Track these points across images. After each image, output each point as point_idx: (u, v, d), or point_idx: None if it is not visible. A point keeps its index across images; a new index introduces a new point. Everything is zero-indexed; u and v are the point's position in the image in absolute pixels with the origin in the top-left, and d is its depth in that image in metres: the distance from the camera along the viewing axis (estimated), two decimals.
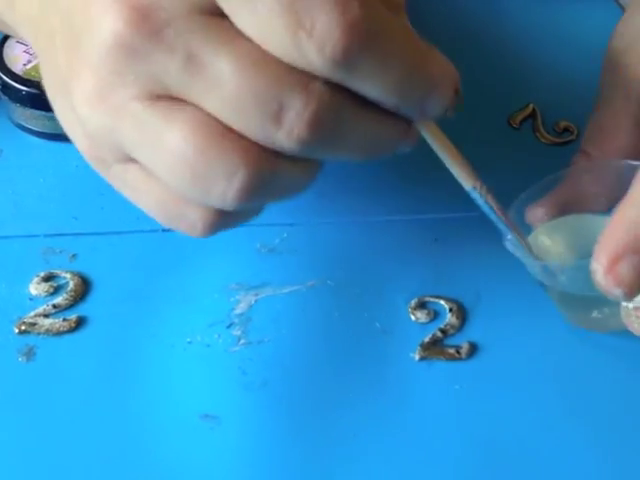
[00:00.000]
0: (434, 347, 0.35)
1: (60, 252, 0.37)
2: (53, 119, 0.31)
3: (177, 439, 0.32)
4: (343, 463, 0.31)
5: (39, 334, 0.34)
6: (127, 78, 0.23)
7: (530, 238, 0.33)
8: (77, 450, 0.31)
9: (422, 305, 0.36)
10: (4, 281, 0.36)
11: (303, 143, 0.24)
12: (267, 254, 0.38)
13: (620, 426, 0.33)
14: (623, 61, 0.36)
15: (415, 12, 0.50)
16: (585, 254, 0.33)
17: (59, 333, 0.34)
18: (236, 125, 0.24)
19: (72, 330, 0.34)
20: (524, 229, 0.34)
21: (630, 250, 0.28)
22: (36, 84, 0.40)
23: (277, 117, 0.23)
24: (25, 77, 0.40)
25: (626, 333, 0.34)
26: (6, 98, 0.41)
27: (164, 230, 0.37)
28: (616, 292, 0.28)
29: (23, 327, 0.34)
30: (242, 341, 0.35)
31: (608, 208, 0.34)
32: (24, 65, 0.41)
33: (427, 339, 0.35)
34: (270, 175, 0.25)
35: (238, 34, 0.23)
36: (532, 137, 0.44)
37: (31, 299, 0.35)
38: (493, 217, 0.31)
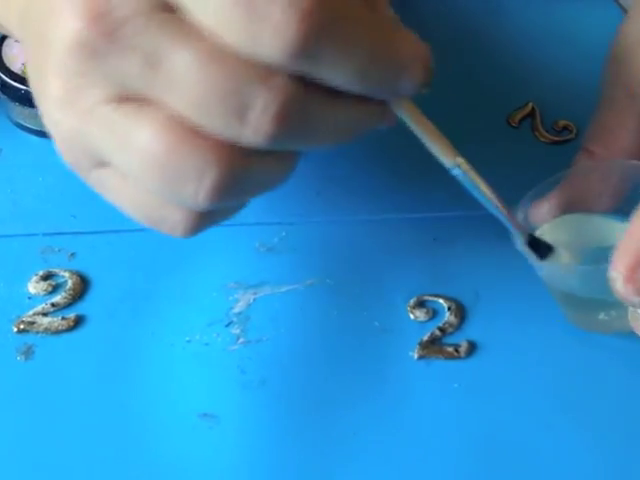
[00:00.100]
0: (433, 346, 0.35)
1: (59, 251, 0.37)
2: None
3: (176, 438, 0.32)
4: (342, 462, 0.31)
5: (38, 333, 0.34)
6: (91, 80, 0.23)
7: None
8: (76, 449, 0.31)
9: (421, 304, 0.36)
10: (3, 280, 0.36)
11: (271, 139, 0.23)
12: (266, 253, 0.37)
13: (619, 426, 0.33)
14: (628, 60, 0.35)
15: (415, 11, 0.50)
16: (587, 254, 0.33)
17: (58, 332, 0.34)
18: (202, 123, 0.23)
19: (71, 329, 0.34)
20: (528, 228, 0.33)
21: None
22: None
23: (241, 114, 0.22)
24: (24, 76, 0.40)
25: (625, 333, 0.34)
26: (5, 97, 0.41)
27: None
28: (636, 300, 0.28)
29: (22, 326, 0.34)
30: (241, 340, 0.35)
31: (611, 208, 0.34)
32: (23, 64, 0.41)
33: (426, 338, 0.35)
34: (242, 172, 0.24)
35: (195, 30, 0.22)
36: (531, 136, 0.44)
37: (30, 298, 0.35)
38: (479, 196, 0.30)
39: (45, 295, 0.35)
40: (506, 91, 0.46)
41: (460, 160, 0.29)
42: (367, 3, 0.24)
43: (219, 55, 0.22)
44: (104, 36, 0.22)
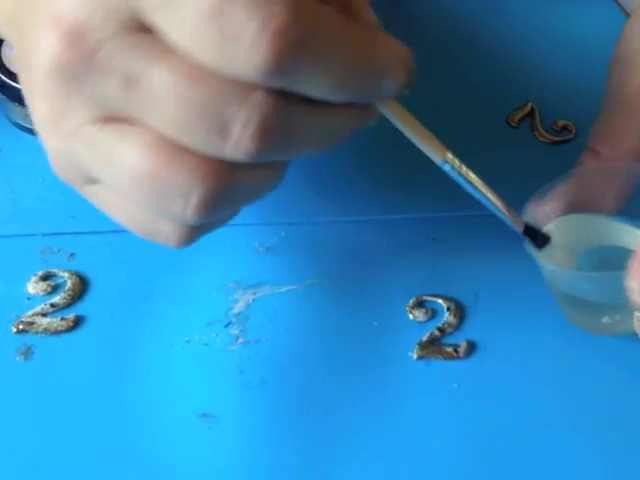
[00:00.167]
0: (432, 346, 0.35)
1: (58, 251, 0.37)
2: None
3: (175, 438, 0.32)
4: (341, 462, 0.31)
5: (37, 333, 0.34)
6: (74, 102, 0.23)
7: None
8: (75, 449, 0.31)
9: (420, 304, 0.36)
10: (2, 280, 0.36)
11: (254, 154, 0.23)
12: (265, 253, 0.37)
13: (619, 426, 0.33)
14: (635, 60, 0.35)
15: (414, 12, 0.50)
16: (588, 253, 0.33)
17: (57, 332, 0.34)
18: (184, 142, 0.23)
19: (70, 329, 0.34)
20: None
21: None
22: None
23: (223, 132, 0.22)
24: None
25: (626, 334, 0.34)
26: (4, 97, 0.41)
27: None
28: None
29: (21, 326, 0.34)
30: (240, 340, 0.35)
31: (615, 209, 0.34)
32: None
33: (425, 338, 0.35)
34: (229, 186, 0.24)
35: (171, 49, 0.22)
36: (530, 136, 0.44)
37: (29, 298, 0.35)
38: (472, 190, 0.30)
39: (44, 295, 0.35)
40: (505, 91, 0.46)
41: (450, 156, 0.29)
42: (344, 10, 0.24)
43: (196, 74, 0.22)
44: (82, 60, 0.22)
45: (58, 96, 0.23)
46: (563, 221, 0.34)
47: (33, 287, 0.36)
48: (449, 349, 0.34)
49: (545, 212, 0.34)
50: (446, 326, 0.35)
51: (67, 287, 0.36)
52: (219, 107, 0.22)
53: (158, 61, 0.22)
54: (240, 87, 0.22)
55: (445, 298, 0.36)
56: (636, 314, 0.32)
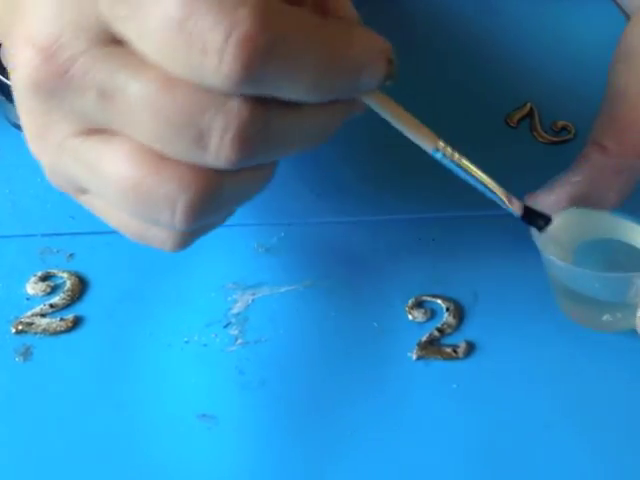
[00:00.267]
0: (431, 346, 0.35)
1: (57, 252, 0.37)
2: None
3: (174, 439, 0.32)
4: (341, 462, 0.31)
5: (36, 334, 0.34)
6: (56, 117, 0.23)
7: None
8: (74, 450, 0.31)
9: (419, 304, 0.36)
10: (1, 280, 0.36)
11: (235, 162, 0.23)
12: (264, 254, 0.37)
13: (618, 426, 0.33)
14: None
15: (413, 12, 0.50)
16: (585, 247, 0.34)
17: (56, 333, 0.34)
18: (165, 152, 0.23)
19: (69, 330, 0.34)
20: None
21: None
22: None
23: (201, 141, 0.22)
24: None
25: (625, 332, 0.34)
26: (3, 98, 0.41)
27: None
28: None
29: (20, 327, 0.34)
30: (239, 341, 0.35)
31: (617, 204, 0.34)
32: None
33: (424, 338, 0.35)
34: (215, 192, 0.24)
35: (143, 60, 0.22)
36: (529, 136, 0.44)
37: (28, 299, 0.35)
38: (467, 177, 0.30)
39: (43, 296, 0.35)
40: (504, 91, 0.46)
41: (441, 144, 0.28)
42: (319, 6, 0.24)
43: (169, 84, 0.22)
44: (57, 76, 0.22)
45: (40, 111, 0.23)
46: (564, 215, 0.34)
47: (32, 287, 0.36)
48: (448, 349, 0.34)
49: (548, 203, 0.34)
50: (445, 326, 0.35)
51: (66, 288, 0.36)
52: (195, 117, 0.22)
53: (131, 73, 0.22)
54: (215, 95, 0.22)
55: (444, 299, 0.36)
56: (638, 313, 0.32)
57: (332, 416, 0.32)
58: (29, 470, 0.31)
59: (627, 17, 0.44)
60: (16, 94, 0.24)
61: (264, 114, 0.23)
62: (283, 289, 0.36)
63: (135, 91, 0.22)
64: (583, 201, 0.34)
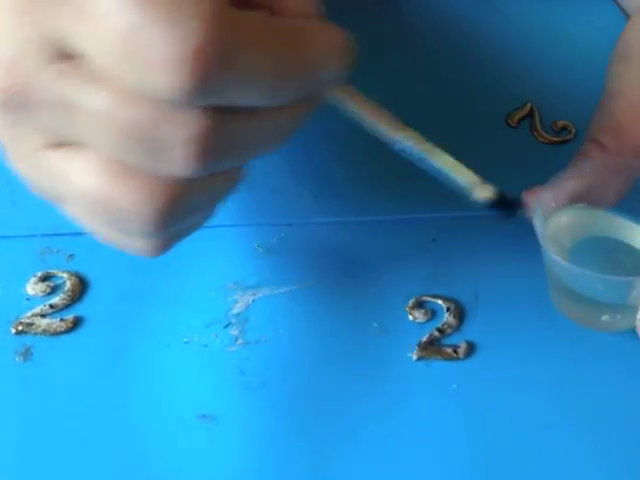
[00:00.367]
0: (432, 347, 0.35)
1: (57, 252, 0.37)
2: None
3: (175, 439, 0.32)
4: (341, 462, 0.31)
5: (36, 334, 0.34)
6: (24, 130, 0.23)
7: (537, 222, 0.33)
8: (74, 450, 0.31)
9: (420, 305, 0.36)
10: (1, 281, 0.36)
11: (199, 171, 0.23)
12: (264, 254, 0.37)
13: (618, 426, 0.33)
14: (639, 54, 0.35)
15: (413, 12, 0.50)
16: (580, 244, 0.34)
17: (56, 333, 0.34)
18: (129, 164, 0.23)
19: (69, 330, 0.34)
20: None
21: None
22: None
23: (162, 153, 0.22)
24: None
25: (625, 333, 0.34)
26: None
27: None
28: None
29: (20, 327, 0.34)
30: (240, 341, 0.35)
31: (615, 203, 0.34)
32: None
33: (425, 339, 0.35)
34: (181, 201, 0.24)
35: (100, 74, 0.22)
36: (530, 136, 0.44)
37: (28, 299, 0.35)
38: (436, 168, 0.29)
39: (44, 296, 0.35)
40: (505, 91, 0.46)
41: (410, 134, 0.28)
42: (272, 8, 0.23)
43: (127, 98, 0.22)
44: (17, 93, 0.22)
45: (7, 125, 0.24)
46: (562, 213, 0.34)
47: (32, 288, 0.36)
48: (449, 350, 0.34)
49: (546, 200, 0.34)
50: (446, 327, 0.35)
51: (66, 288, 0.36)
52: (154, 129, 0.22)
53: (89, 88, 0.22)
54: (173, 107, 0.21)
55: (445, 299, 0.36)
56: (639, 315, 0.32)
57: (333, 416, 0.32)
58: (29, 470, 0.31)
59: (627, 17, 0.44)
60: None
61: (224, 122, 0.22)
62: (283, 289, 0.36)
63: (93, 105, 0.22)
64: (581, 199, 0.34)
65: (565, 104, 0.45)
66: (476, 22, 0.50)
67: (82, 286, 0.36)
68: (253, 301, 0.36)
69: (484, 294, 0.36)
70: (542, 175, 0.35)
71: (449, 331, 0.35)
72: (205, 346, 0.34)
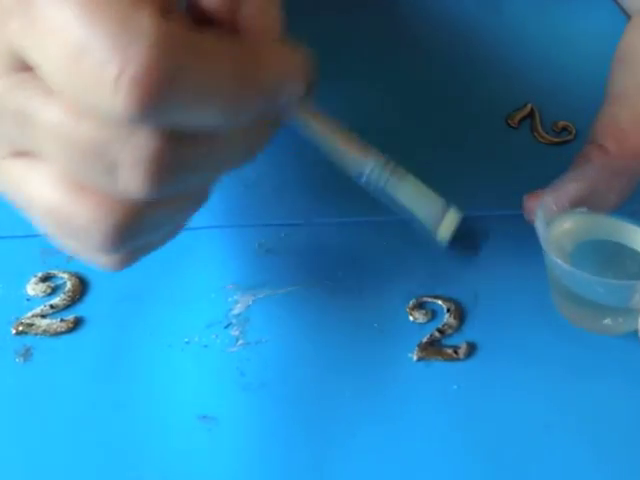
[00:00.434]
0: (432, 347, 0.34)
1: (58, 252, 0.37)
2: None
3: (175, 440, 0.32)
4: (342, 463, 0.31)
5: (36, 335, 0.34)
6: None
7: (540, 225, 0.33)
8: (74, 451, 0.31)
9: (420, 305, 0.36)
10: (2, 281, 0.36)
11: (147, 193, 0.22)
12: (265, 254, 0.37)
13: (618, 427, 0.32)
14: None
15: (413, 12, 0.50)
16: (581, 247, 0.34)
17: (56, 334, 0.34)
18: (82, 180, 0.23)
19: (69, 331, 0.34)
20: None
21: None
22: None
23: (111, 173, 0.22)
24: None
25: (626, 335, 0.34)
26: None
27: None
28: None
29: (20, 328, 0.34)
30: (240, 341, 0.34)
31: (616, 206, 0.34)
32: None
33: (425, 339, 0.35)
34: (133, 222, 0.23)
35: (52, 88, 0.21)
36: (530, 137, 0.44)
37: (28, 299, 0.35)
38: (410, 193, 0.28)
39: (44, 297, 0.35)
40: (505, 92, 0.46)
41: (375, 156, 0.27)
42: (232, 26, 0.23)
43: (77, 114, 0.21)
44: None
45: None
46: (564, 218, 0.34)
47: (33, 288, 0.36)
48: (449, 350, 0.34)
49: (548, 203, 0.34)
50: (446, 327, 0.35)
51: (67, 288, 0.36)
52: (103, 148, 0.21)
53: (41, 100, 0.22)
54: (122, 126, 0.21)
55: (445, 299, 0.36)
56: None
57: (333, 417, 0.32)
58: (30, 471, 0.31)
59: (628, 18, 0.44)
60: None
61: (175, 144, 0.22)
62: (284, 290, 0.36)
63: (45, 119, 0.22)
64: (583, 202, 0.34)
65: (566, 105, 0.45)
66: (477, 23, 0.50)
67: (82, 286, 0.36)
68: (253, 301, 0.36)
69: (484, 295, 0.36)
70: (542, 175, 0.35)
71: (449, 332, 0.35)
72: (205, 346, 0.34)
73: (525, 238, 0.34)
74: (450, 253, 0.38)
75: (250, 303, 0.36)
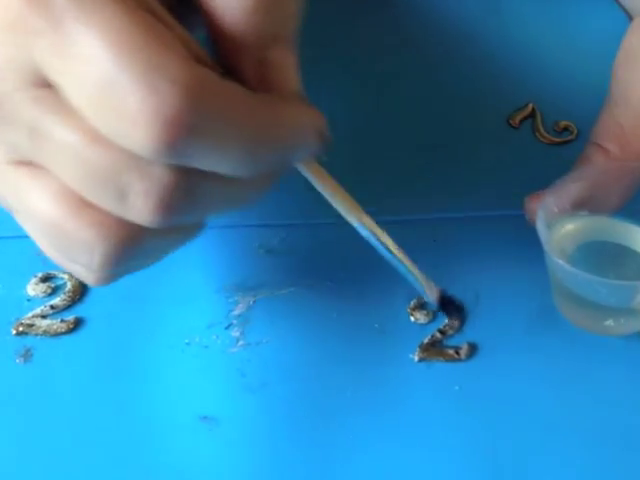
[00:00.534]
0: (433, 348, 0.34)
1: None
2: None
3: (176, 441, 0.32)
4: (343, 464, 0.31)
5: (37, 335, 0.34)
6: None
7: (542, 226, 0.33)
8: (75, 452, 0.31)
9: (421, 306, 0.36)
10: (2, 282, 0.36)
11: (155, 223, 0.23)
12: (265, 255, 0.37)
13: (621, 428, 0.32)
14: None
15: (414, 11, 0.50)
16: (582, 248, 0.34)
17: (57, 334, 0.34)
18: (89, 198, 0.23)
19: (70, 331, 0.34)
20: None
21: None
22: None
23: (122, 199, 0.22)
24: None
25: (628, 335, 0.34)
26: None
27: None
28: None
29: (21, 328, 0.34)
30: (241, 342, 0.34)
31: (618, 208, 0.34)
32: None
33: (426, 340, 0.35)
34: (133, 246, 0.24)
35: (73, 109, 0.21)
36: (532, 137, 0.44)
37: (29, 300, 0.35)
38: (387, 254, 0.30)
39: (44, 297, 0.35)
40: (506, 92, 0.46)
41: (366, 220, 0.29)
42: (260, 79, 0.24)
43: (95, 139, 0.22)
44: None
45: None
46: (565, 221, 0.34)
47: (33, 289, 0.36)
48: (450, 351, 0.34)
49: (550, 205, 0.34)
50: (447, 328, 0.35)
51: (67, 289, 0.36)
52: (118, 175, 0.22)
53: (60, 119, 0.22)
54: (139, 157, 0.21)
55: None
56: None
57: (333, 418, 0.32)
58: (30, 472, 0.31)
59: (630, 18, 0.44)
60: None
61: (187, 181, 0.22)
62: (284, 290, 0.36)
63: (61, 137, 0.22)
64: (584, 204, 0.34)
65: (567, 104, 0.45)
66: (478, 22, 0.50)
67: (83, 287, 0.36)
68: (254, 302, 0.36)
69: (485, 295, 0.36)
70: (544, 175, 0.35)
71: (451, 332, 0.35)
72: (206, 347, 0.34)
73: (526, 238, 0.34)
74: (451, 254, 0.38)
75: (251, 304, 0.36)
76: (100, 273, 0.25)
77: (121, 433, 0.32)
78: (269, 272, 0.37)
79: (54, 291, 0.36)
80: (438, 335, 0.35)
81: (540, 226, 0.32)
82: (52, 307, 0.35)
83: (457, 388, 0.33)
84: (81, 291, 0.36)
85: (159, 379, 0.33)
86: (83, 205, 0.23)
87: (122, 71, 0.20)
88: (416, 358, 0.34)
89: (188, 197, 0.23)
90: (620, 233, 0.34)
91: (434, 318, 0.35)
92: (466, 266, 0.37)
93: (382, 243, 0.30)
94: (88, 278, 0.26)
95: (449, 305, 0.33)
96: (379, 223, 0.30)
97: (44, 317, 0.35)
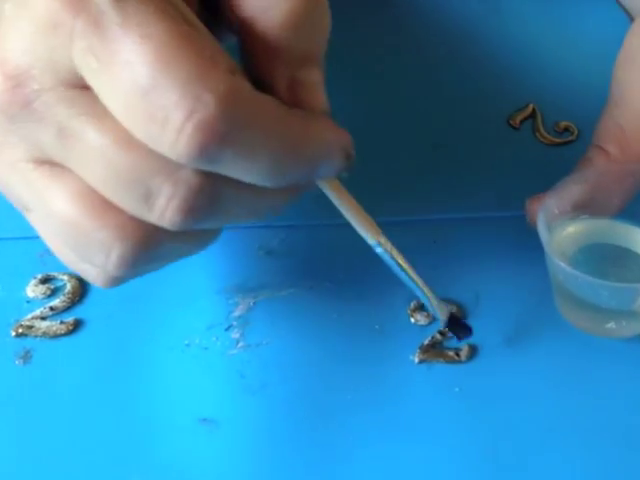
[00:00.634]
0: (433, 349, 0.34)
1: None
2: None
3: (175, 443, 0.31)
4: (343, 466, 0.31)
5: (36, 337, 0.34)
6: (12, 139, 0.24)
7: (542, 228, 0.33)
8: (74, 454, 0.31)
9: (421, 307, 0.36)
10: (1, 283, 0.36)
11: (178, 226, 0.23)
12: (265, 256, 0.37)
13: (622, 429, 0.32)
14: None
15: (415, 11, 0.50)
16: (583, 250, 0.34)
17: (56, 336, 0.34)
18: (112, 199, 0.23)
19: (69, 333, 0.34)
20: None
21: None
22: None
23: (147, 201, 0.23)
24: None
25: (630, 338, 0.34)
26: None
27: None
28: None
29: (20, 330, 0.34)
30: (240, 344, 0.34)
31: (619, 210, 0.34)
32: None
33: (426, 341, 0.35)
34: (151, 248, 0.24)
35: (105, 112, 0.22)
36: (532, 137, 0.44)
37: (28, 302, 0.35)
38: (402, 275, 0.31)
39: (44, 299, 0.35)
40: (507, 92, 0.46)
41: (382, 239, 0.29)
42: (290, 95, 0.24)
43: (126, 141, 0.22)
44: (19, 105, 0.23)
45: (1, 129, 0.24)
46: (566, 223, 0.34)
47: (32, 290, 0.36)
48: (451, 353, 0.34)
49: (550, 207, 0.34)
50: (447, 329, 0.35)
51: (66, 290, 0.36)
52: (146, 177, 0.22)
53: (91, 121, 0.22)
54: (168, 162, 0.22)
55: (446, 301, 0.36)
56: None
57: (333, 419, 0.32)
58: (30, 473, 0.31)
59: (631, 18, 0.44)
60: None
61: (213, 187, 0.23)
62: (284, 292, 0.36)
63: (92, 139, 0.22)
64: (585, 206, 0.34)
65: (567, 105, 0.44)
66: (478, 23, 0.50)
67: (82, 288, 0.36)
68: (254, 304, 0.36)
69: (486, 297, 0.36)
70: (544, 176, 0.35)
71: (451, 334, 0.35)
72: (206, 349, 0.34)
73: (527, 240, 0.34)
74: (451, 255, 0.38)
75: (251, 305, 0.36)
76: (114, 274, 0.25)
77: (121, 435, 0.32)
78: (269, 273, 0.37)
79: (54, 293, 0.36)
80: (438, 336, 0.35)
81: (541, 228, 0.32)
82: (52, 308, 0.35)
83: (457, 389, 0.33)
84: (80, 293, 0.36)
85: (159, 381, 0.33)
86: (103, 206, 0.23)
87: (163, 78, 0.20)
88: (416, 359, 0.34)
89: (212, 202, 0.23)
90: (621, 235, 0.34)
91: (434, 320, 0.35)
92: (466, 267, 0.37)
93: (397, 263, 0.30)
94: (98, 279, 0.27)
95: (457, 326, 0.33)
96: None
97: (43, 319, 0.35)
